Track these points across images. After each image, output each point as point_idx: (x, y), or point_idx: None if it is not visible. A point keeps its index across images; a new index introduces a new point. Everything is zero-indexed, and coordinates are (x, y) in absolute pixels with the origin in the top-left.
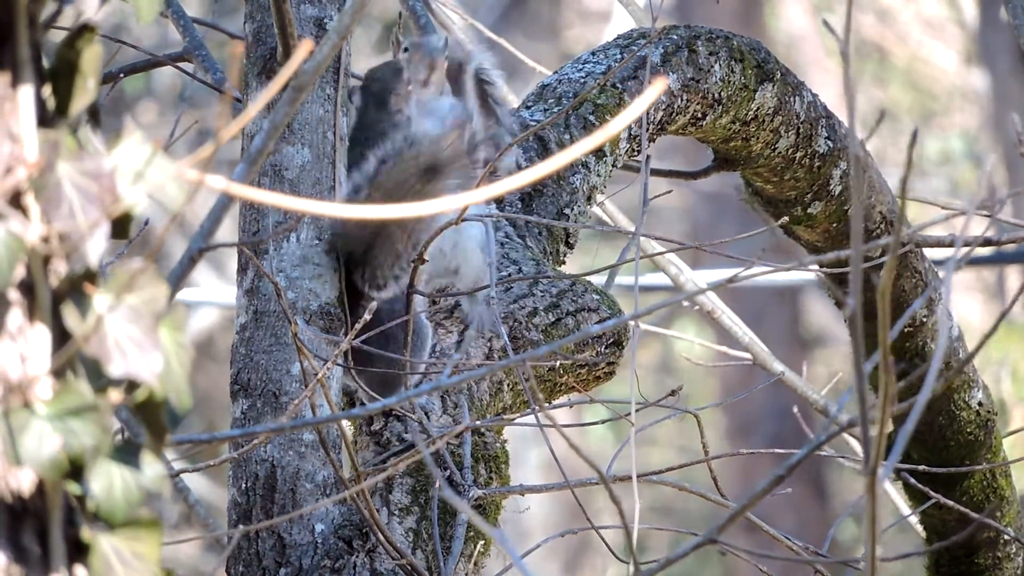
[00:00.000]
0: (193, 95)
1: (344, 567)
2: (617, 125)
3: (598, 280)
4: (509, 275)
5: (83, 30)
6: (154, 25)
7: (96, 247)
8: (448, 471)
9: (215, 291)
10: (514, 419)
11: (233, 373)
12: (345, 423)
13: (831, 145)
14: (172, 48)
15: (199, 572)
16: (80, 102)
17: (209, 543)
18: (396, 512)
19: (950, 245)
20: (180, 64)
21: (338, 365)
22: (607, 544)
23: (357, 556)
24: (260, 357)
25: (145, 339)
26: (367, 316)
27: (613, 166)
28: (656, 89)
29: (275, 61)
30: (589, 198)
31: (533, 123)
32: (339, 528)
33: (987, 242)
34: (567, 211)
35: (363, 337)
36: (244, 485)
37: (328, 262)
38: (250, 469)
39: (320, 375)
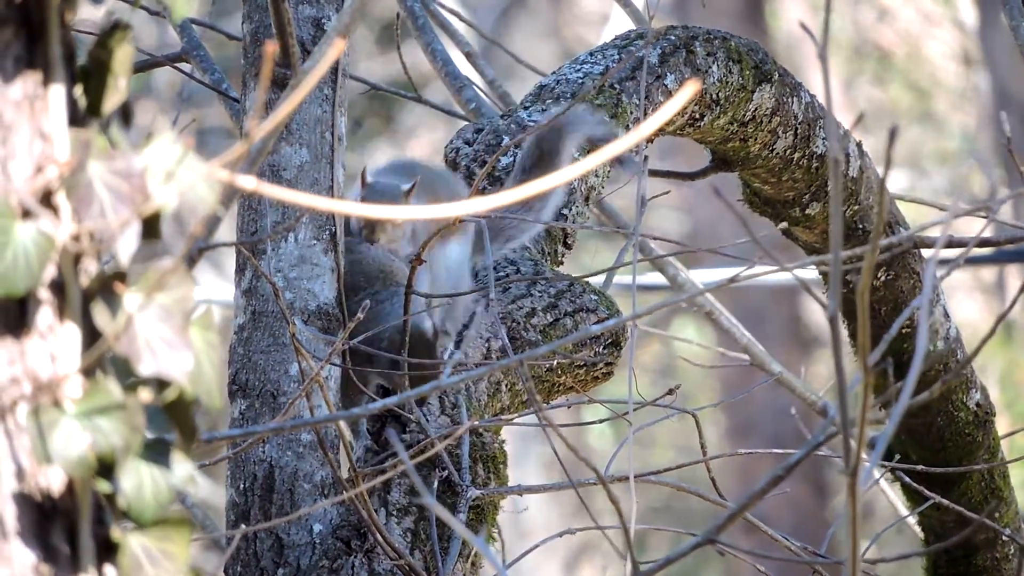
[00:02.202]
0: (192, 95)
1: (342, 567)
2: (650, 126)
3: (596, 281)
4: (507, 276)
5: (115, 29)
6: (153, 25)
7: (127, 246)
8: (446, 471)
9: (214, 291)
10: (512, 419)
11: (231, 373)
12: (343, 423)
13: (838, 144)
14: (170, 48)
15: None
16: (112, 101)
17: (207, 543)
18: (394, 512)
19: (948, 246)
20: (178, 64)
21: (334, 365)
22: (611, 542)
23: (355, 556)
24: (258, 357)
25: (175, 338)
26: (360, 315)
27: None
28: (689, 90)
29: (273, 61)
30: (587, 198)
31: (531, 124)
32: (337, 528)
33: (984, 243)
34: (565, 211)
35: (359, 338)
36: (242, 485)
37: (326, 262)
38: (248, 469)
39: (315, 374)
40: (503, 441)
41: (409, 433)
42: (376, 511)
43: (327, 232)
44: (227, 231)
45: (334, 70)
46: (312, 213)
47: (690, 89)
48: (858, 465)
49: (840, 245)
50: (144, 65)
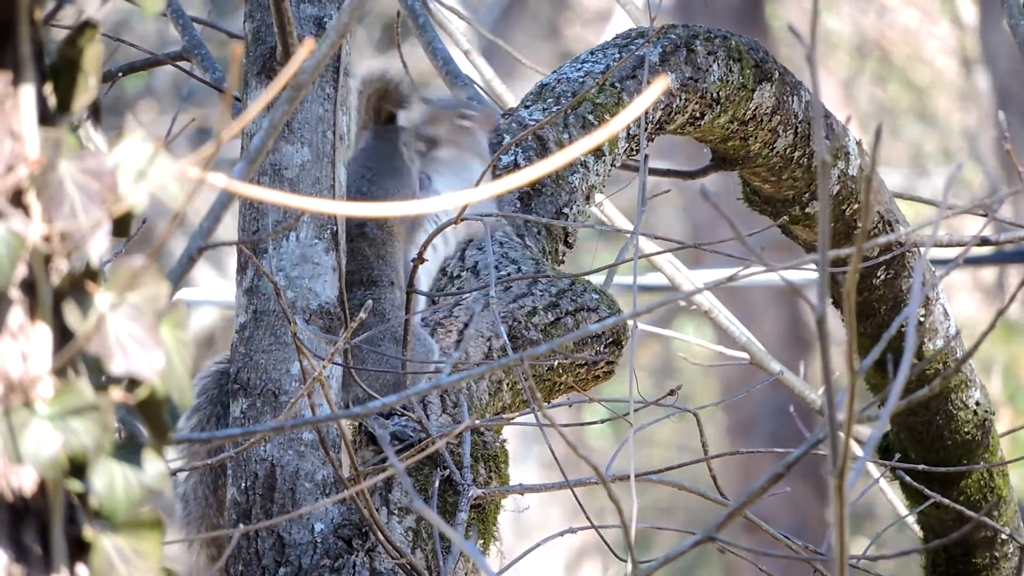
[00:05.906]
0: (194, 94)
1: (343, 566)
2: (617, 124)
3: (597, 279)
4: (508, 274)
5: (84, 27)
6: (155, 24)
7: (98, 246)
8: (448, 470)
9: (216, 290)
10: (513, 418)
11: (232, 372)
12: (344, 422)
13: (829, 144)
14: (172, 47)
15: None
16: (82, 100)
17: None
18: (395, 511)
19: (947, 245)
20: (179, 63)
21: (336, 364)
22: (606, 542)
23: (356, 555)
24: (259, 356)
25: (146, 337)
26: (362, 314)
27: (612, 165)
28: (657, 88)
29: (275, 60)
30: (588, 197)
31: (532, 122)
32: (338, 527)
33: (983, 242)
34: (566, 210)
35: (361, 337)
36: (244, 484)
37: (327, 261)
38: (250, 468)
39: (317, 373)
40: (504, 440)
41: (412, 431)
42: (377, 510)
43: (328, 231)
44: (229, 230)
45: (336, 69)
46: (308, 212)
47: (658, 87)
48: (845, 467)
49: (828, 246)
50: (145, 63)
